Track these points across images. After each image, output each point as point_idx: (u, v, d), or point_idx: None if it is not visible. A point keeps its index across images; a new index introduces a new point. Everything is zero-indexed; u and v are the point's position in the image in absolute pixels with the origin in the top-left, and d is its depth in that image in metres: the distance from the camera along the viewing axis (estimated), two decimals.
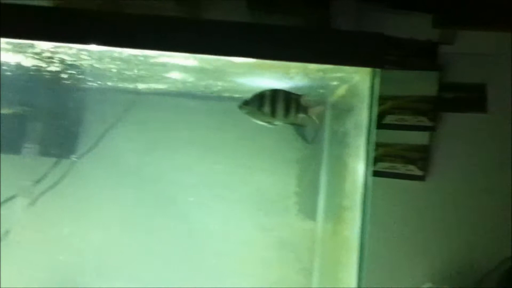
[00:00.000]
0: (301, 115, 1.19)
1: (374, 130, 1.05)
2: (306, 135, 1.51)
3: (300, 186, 1.48)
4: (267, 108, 1.19)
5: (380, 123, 1.80)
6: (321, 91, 1.34)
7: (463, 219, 1.77)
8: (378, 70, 1.04)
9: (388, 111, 1.81)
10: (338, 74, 1.13)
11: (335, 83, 1.22)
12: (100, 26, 0.99)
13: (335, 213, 1.28)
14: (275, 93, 1.20)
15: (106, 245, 1.48)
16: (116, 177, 1.48)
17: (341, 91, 1.27)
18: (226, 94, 1.44)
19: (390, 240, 1.77)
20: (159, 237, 1.49)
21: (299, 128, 1.53)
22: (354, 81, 1.13)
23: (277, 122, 1.20)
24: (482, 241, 1.76)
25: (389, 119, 1.81)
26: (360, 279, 1.00)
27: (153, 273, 1.47)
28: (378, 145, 1.80)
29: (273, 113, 1.19)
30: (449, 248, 1.77)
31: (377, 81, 1.05)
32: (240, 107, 1.22)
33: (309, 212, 1.47)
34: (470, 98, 1.82)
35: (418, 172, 1.80)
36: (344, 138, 1.22)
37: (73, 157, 1.48)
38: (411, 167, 1.80)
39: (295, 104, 1.19)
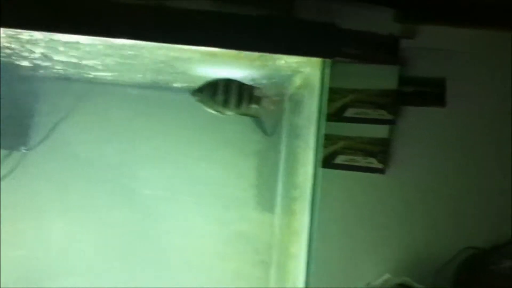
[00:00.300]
0: (253, 106, 1.18)
1: (324, 122, 1.04)
2: (266, 127, 1.50)
3: (258, 179, 1.48)
4: (220, 97, 1.18)
5: (341, 116, 1.81)
6: (275, 81, 1.33)
7: (423, 210, 1.80)
8: (328, 61, 1.04)
9: (349, 104, 1.82)
10: (284, 64, 1.12)
11: (288, 73, 1.22)
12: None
13: (287, 205, 1.28)
14: (228, 82, 1.19)
15: (61, 239, 1.45)
16: (69, 169, 1.45)
17: (298, 82, 1.27)
18: (185, 85, 1.42)
19: (350, 232, 1.78)
20: (114, 231, 1.47)
21: (258, 120, 1.52)
22: (307, 73, 1.13)
23: (229, 112, 1.19)
24: (441, 232, 1.79)
25: (350, 112, 1.82)
26: (308, 271, 1.00)
27: (109, 266, 1.45)
28: (338, 138, 1.81)
29: (225, 103, 1.17)
30: (408, 239, 1.79)
31: (327, 72, 1.05)
32: (193, 93, 1.20)
33: (267, 204, 1.46)
34: (430, 93, 1.84)
35: (378, 165, 1.81)
36: (297, 130, 1.22)
37: (24, 149, 1.44)
38: (371, 160, 1.82)
39: (248, 95, 1.18)
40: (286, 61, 1.09)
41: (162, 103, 1.46)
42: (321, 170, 1.07)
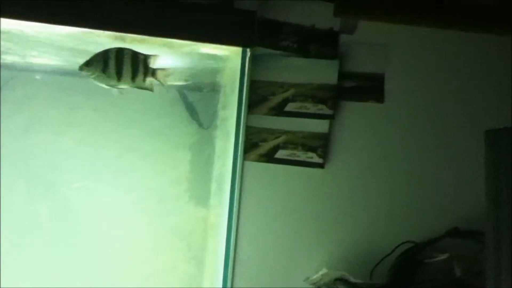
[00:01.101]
0: (149, 78, 1.11)
1: (245, 113, 1.01)
2: (202, 120, 1.46)
3: (192, 172, 1.43)
4: (112, 70, 1.09)
5: (282, 110, 1.80)
6: (204, 72, 1.29)
7: (361, 205, 1.81)
8: (248, 50, 1.01)
9: (290, 99, 1.80)
10: (209, 53, 1.08)
11: (210, 62, 1.17)
12: None
13: (206, 199, 1.24)
14: (121, 53, 1.10)
15: None
16: None
17: (225, 74, 1.24)
18: None
19: (290, 226, 1.77)
20: (38, 226, 1.38)
21: (193, 112, 1.48)
22: (227, 61, 1.09)
23: (123, 86, 1.11)
24: (380, 226, 1.80)
25: (290, 106, 1.81)
26: (226, 267, 0.97)
27: (31, 264, 1.37)
28: (280, 132, 1.79)
29: (119, 76, 1.09)
30: (347, 234, 1.80)
31: (248, 61, 1.01)
32: (81, 68, 1.11)
33: (201, 199, 1.42)
34: (369, 88, 1.86)
35: (318, 160, 1.81)
36: (220, 121, 1.18)
37: None
38: (311, 154, 1.81)
39: (143, 66, 1.10)
40: (209, 50, 1.05)
41: (88, 91, 1.39)
42: (243, 163, 1.03)
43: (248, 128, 1.56)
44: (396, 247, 1.75)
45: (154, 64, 1.09)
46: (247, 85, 1.03)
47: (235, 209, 1.00)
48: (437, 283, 1.61)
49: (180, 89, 1.35)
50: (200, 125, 1.48)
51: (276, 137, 1.78)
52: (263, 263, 1.40)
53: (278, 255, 1.74)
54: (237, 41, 0.94)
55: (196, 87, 1.45)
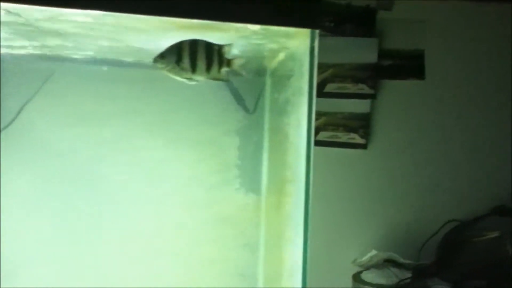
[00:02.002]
0: (224, 69, 1.07)
1: (314, 97, 0.98)
2: (247, 104, 1.43)
3: (241, 159, 1.41)
4: (186, 62, 1.06)
5: (321, 91, 1.76)
6: (252, 55, 1.25)
7: (405, 184, 1.79)
8: (316, 32, 0.98)
9: (329, 79, 1.77)
10: (265, 35, 1.04)
11: (273, 46, 1.14)
12: None
13: (278, 186, 1.22)
14: (194, 44, 1.05)
15: (26, 228, 1.35)
16: (35, 155, 1.34)
17: (281, 56, 1.20)
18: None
19: (335, 209, 1.75)
20: (84, 220, 1.37)
21: (238, 97, 1.45)
22: (292, 45, 1.06)
23: (198, 78, 1.08)
24: (424, 205, 1.78)
25: (330, 87, 1.78)
26: (305, 252, 0.95)
27: (78, 255, 1.36)
28: (319, 114, 1.76)
29: (193, 68, 1.06)
30: (392, 214, 1.78)
31: (316, 43, 0.98)
32: (155, 61, 1.07)
33: (252, 185, 1.40)
34: (409, 65, 1.81)
35: (360, 140, 1.78)
36: (284, 106, 1.15)
37: None
38: (353, 135, 1.78)
39: (217, 57, 1.06)
40: (266, 32, 1.01)
41: (135, 81, 1.36)
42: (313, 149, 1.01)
43: None
44: (442, 226, 1.72)
45: (228, 53, 1.06)
46: (315, 68, 0.99)
47: (310, 197, 0.98)
48: (485, 262, 1.59)
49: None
50: (246, 110, 1.46)
51: (316, 119, 1.76)
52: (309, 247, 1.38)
53: (324, 238, 1.72)
54: (305, 23, 0.91)
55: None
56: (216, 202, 1.40)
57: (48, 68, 1.34)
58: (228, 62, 1.07)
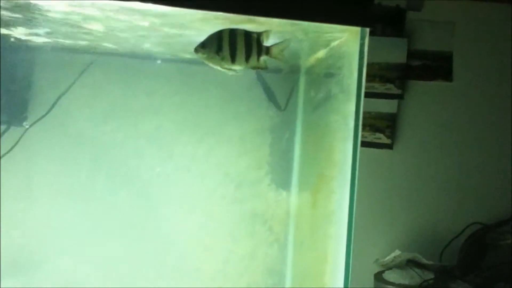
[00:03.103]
0: (263, 57, 1.07)
1: (362, 95, 0.98)
2: (279, 101, 1.43)
3: (272, 156, 1.41)
4: (226, 52, 1.05)
5: None
6: (295, 54, 1.25)
7: (430, 186, 1.79)
8: (366, 30, 0.97)
9: None
10: (326, 35, 1.04)
11: (313, 44, 1.14)
12: None
13: (315, 182, 1.22)
14: (233, 33, 1.05)
15: (61, 219, 1.35)
16: (71, 146, 1.34)
17: (320, 54, 1.20)
18: (188, 56, 1.32)
19: (359, 209, 1.74)
20: (119, 213, 1.38)
21: (271, 94, 1.45)
22: (339, 43, 1.06)
23: (237, 67, 1.07)
24: (449, 207, 1.78)
25: None
26: (348, 251, 0.95)
27: (112, 249, 1.36)
28: None
29: (233, 57, 1.06)
30: (416, 215, 1.78)
31: (367, 41, 0.98)
32: (196, 50, 1.06)
33: (282, 182, 1.40)
34: (436, 66, 1.81)
35: (386, 141, 1.78)
36: (326, 104, 1.15)
37: (24, 124, 1.32)
38: (379, 135, 1.78)
39: (256, 45, 1.05)
40: (331, 32, 1.01)
41: (169, 76, 1.36)
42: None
43: None
44: (465, 228, 1.72)
45: (267, 41, 1.05)
46: (364, 67, 0.99)
47: (355, 195, 0.98)
48: (509, 265, 1.59)
49: (258, 71, 1.31)
50: (278, 107, 1.46)
51: None
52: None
53: None
54: (356, 21, 0.90)
55: (274, 69, 1.42)
56: (247, 198, 1.41)
57: (85, 60, 1.34)
58: (267, 50, 1.07)
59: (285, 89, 1.45)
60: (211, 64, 1.07)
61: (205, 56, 1.06)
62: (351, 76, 0.97)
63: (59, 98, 1.31)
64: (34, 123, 1.31)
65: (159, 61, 1.35)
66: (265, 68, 1.07)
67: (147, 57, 1.37)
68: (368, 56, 1.77)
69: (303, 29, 1.06)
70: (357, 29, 0.94)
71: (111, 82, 1.35)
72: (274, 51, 1.07)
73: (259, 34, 1.05)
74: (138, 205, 1.40)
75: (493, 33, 1.81)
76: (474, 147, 1.80)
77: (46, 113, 1.31)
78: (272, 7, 0.90)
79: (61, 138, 1.34)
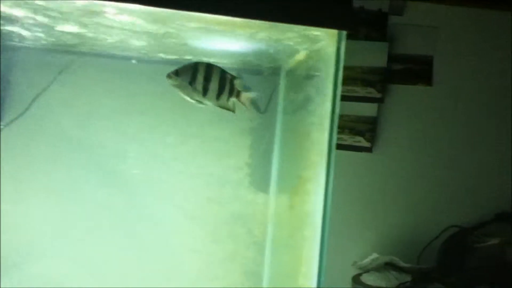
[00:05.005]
0: (232, 99, 1.09)
1: (339, 97, 0.99)
2: (259, 104, 1.43)
3: (252, 157, 1.41)
4: (199, 85, 1.06)
5: None
6: (269, 54, 1.26)
7: (409, 189, 1.80)
8: (343, 33, 0.98)
9: None
10: (305, 37, 1.05)
11: (292, 46, 1.14)
12: None
13: (293, 184, 1.22)
14: (210, 69, 1.07)
15: (44, 221, 1.33)
16: (50, 147, 1.33)
17: (300, 56, 1.20)
18: (174, 57, 1.32)
19: (337, 211, 1.75)
20: (99, 214, 1.36)
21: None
22: (318, 45, 1.06)
23: (207, 102, 1.09)
24: (427, 210, 1.80)
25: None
26: (322, 253, 0.96)
27: (95, 249, 1.35)
28: None
29: (205, 92, 1.07)
30: (395, 218, 1.79)
31: (343, 44, 0.99)
32: (170, 76, 1.07)
33: (261, 184, 1.40)
34: (417, 70, 1.83)
35: (366, 144, 1.79)
36: (305, 106, 1.15)
37: (1, 125, 1.30)
38: (359, 138, 1.79)
39: (229, 86, 1.08)
40: (298, 33, 1.02)
41: (151, 76, 1.36)
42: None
43: None
44: (442, 231, 1.74)
45: (239, 86, 1.08)
46: (341, 70, 1.00)
47: (329, 197, 0.99)
48: (488, 268, 1.61)
49: (238, 73, 1.31)
50: (258, 109, 1.46)
51: None
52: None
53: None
54: (335, 23, 0.91)
55: (255, 71, 1.41)
56: (227, 200, 1.41)
57: (66, 59, 1.33)
58: (238, 94, 1.09)
59: (266, 91, 1.44)
60: (181, 93, 1.08)
61: (177, 84, 1.07)
62: (328, 78, 0.97)
63: (36, 97, 1.30)
64: (10, 123, 1.29)
65: (134, 61, 1.34)
66: (232, 111, 1.10)
67: (130, 58, 1.36)
68: (350, 59, 1.77)
69: (282, 30, 1.06)
70: (335, 32, 0.94)
71: (92, 82, 1.34)
72: (243, 97, 1.10)
73: (233, 77, 1.07)
74: (120, 206, 1.39)
75: (473, 38, 1.83)
76: (452, 151, 1.82)
77: (22, 113, 1.29)
78: (249, 8, 0.90)
79: (40, 138, 1.32)
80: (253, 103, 1.34)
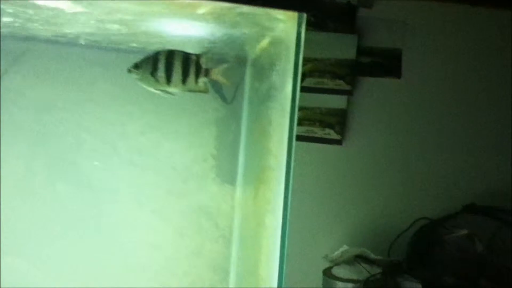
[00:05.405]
0: (202, 80, 1.05)
1: (299, 82, 0.97)
2: (225, 94, 1.41)
3: (218, 149, 1.38)
4: (161, 73, 1.02)
5: (300, 86, 1.75)
6: (232, 44, 1.23)
7: (379, 181, 1.80)
8: (303, 15, 0.96)
9: (307, 74, 1.76)
10: (263, 22, 1.02)
11: (256, 33, 1.12)
12: None
13: (257, 174, 1.20)
14: (171, 55, 1.03)
15: None
16: (3, 137, 1.27)
17: (264, 43, 1.18)
18: (134, 45, 1.28)
19: (307, 204, 1.74)
20: (58, 208, 1.32)
21: (216, 87, 1.42)
22: (279, 30, 1.04)
23: (173, 90, 1.05)
24: (397, 203, 1.80)
25: (308, 82, 1.77)
26: (283, 240, 0.93)
27: (51, 244, 1.30)
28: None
29: (168, 79, 1.03)
30: (365, 210, 1.79)
31: (304, 28, 0.97)
32: (130, 71, 1.04)
33: (228, 176, 1.38)
34: (386, 63, 1.83)
35: (336, 136, 1.78)
36: (268, 94, 1.13)
37: None
38: (328, 131, 1.78)
39: (194, 67, 1.04)
40: (250, 16, 0.99)
41: (111, 65, 1.32)
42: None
43: None
44: (412, 224, 1.74)
45: (207, 63, 1.03)
46: (302, 54, 0.97)
47: (291, 185, 0.96)
48: (456, 259, 1.61)
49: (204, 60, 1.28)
50: (224, 100, 1.43)
51: None
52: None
53: (295, 233, 1.70)
54: (293, 5, 0.89)
55: (220, 60, 1.39)
56: (192, 192, 1.37)
57: (21, 47, 1.28)
58: (207, 72, 1.05)
59: (232, 81, 1.42)
60: (145, 86, 1.04)
61: (138, 77, 1.04)
62: (288, 63, 0.95)
63: None
64: None
65: (82, 42, 1.29)
66: (205, 91, 1.05)
67: (89, 46, 1.31)
68: (318, 51, 1.78)
69: (244, 16, 1.04)
70: (296, 15, 0.93)
71: (49, 71, 1.29)
72: (214, 73, 1.05)
73: (198, 56, 1.03)
74: (79, 200, 1.35)
75: (442, 33, 1.84)
76: (421, 143, 1.82)
77: None
78: None
79: None
80: (219, 92, 1.30)
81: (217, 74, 1.07)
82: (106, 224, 1.35)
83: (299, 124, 1.74)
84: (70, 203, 1.33)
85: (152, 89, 1.07)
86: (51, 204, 1.31)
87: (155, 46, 1.20)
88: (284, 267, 0.95)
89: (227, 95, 1.43)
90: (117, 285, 1.32)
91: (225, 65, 1.09)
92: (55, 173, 1.30)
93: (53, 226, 1.32)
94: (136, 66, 1.04)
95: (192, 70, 1.05)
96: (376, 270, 1.63)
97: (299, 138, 1.75)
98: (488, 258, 1.59)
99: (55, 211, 1.32)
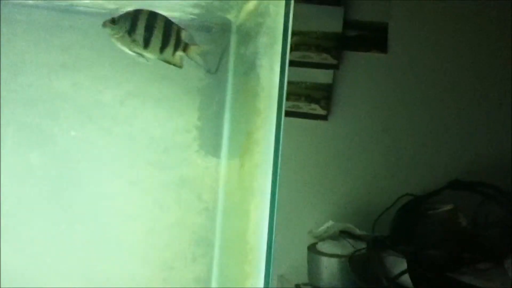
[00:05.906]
0: (179, 53, 0.99)
1: (288, 52, 0.92)
2: (209, 64, 1.36)
3: (202, 120, 1.33)
4: (139, 36, 0.95)
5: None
6: (217, 10, 1.18)
7: (364, 157, 1.78)
8: None
9: (293, 47, 1.72)
10: None
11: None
12: None
13: (242, 146, 1.16)
14: (152, 18, 0.96)
15: None
16: None
17: (249, 7, 1.13)
18: (111, 6, 1.21)
19: (293, 179, 1.72)
20: (30, 179, 1.25)
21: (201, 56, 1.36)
22: None
23: (148, 56, 0.99)
24: (382, 178, 1.79)
25: (293, 55, 1.73)
26: (272, 209, 0.90)
27: (24, 221, 1.25)
28: None
29: (146, 43, 0.97)
30: (350, 186, 1.77)
31: None
32: (105, 25, 0.96)
33: (212, 147, 1.33)
34: (372, 37, 1.80)
35: (321, 111, 1.76)
36: (255, 63, 1.09)
37: None
38: (314, 106, 1.75)
39: (175, 38, 0.97)
40: None
41: (88, 29, 1.25)
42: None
43: None
44: (397, 200, 1.73)
45: (187, 38, 0.97)
46: (290, 22, 0.93)
47: (279, 159, 0.93)
48: (441, 233, 1.61)
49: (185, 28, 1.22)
50: (207, 69, 1.38)
51: None
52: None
53: (280, 208, 1.68)
54: None
55: (204, 27, 1.33)
56: (174, 164, 1.32)
57: None
58: (185, 47, 0.99)
59: (216, 49, 1.37)
60: (119, 44, 0.97)
61: (113, 33, 0.96)
62: (278, 33, 0.91)
63: None
64: None
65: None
66: (179, 66, 1.00)
67: (61, 8, 1.24)
68: (304, 24, 1.74)
69: None
70: None
71: (17, 35, 1.22)
72: (191, 50, 1.00)
73: (180, 28, 0.97)
74: (53, 171, 1.28)
75: (428, 6, 1.82)
76: (407, 119, 1.81)
77: None
78: None
79: None
80: (203, 56, 1.25)
81: (194, 52, 1.02)
82: (82, 196, 1.29)
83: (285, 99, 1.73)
84: (42, 174, 1.26)
85: (126, 49, 1.01)
86: (21, 174, 1.25)
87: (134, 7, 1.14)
88: (274, 234, 0.92)
89: (211, 64, 1.37)
90: (95, 257, 1.27)
91: (204, 47, 1.04)
92: (26, 142, 1.24)
93: (27, 199, 1.26)
94: (113, 21, 0.97)
95: (172, 41, 0.99)
96: (361, 245, 1.62)
97: (285, 113, 1.73)
98: (472, 232, 1.60)
99: (25, 182, 1.25)
